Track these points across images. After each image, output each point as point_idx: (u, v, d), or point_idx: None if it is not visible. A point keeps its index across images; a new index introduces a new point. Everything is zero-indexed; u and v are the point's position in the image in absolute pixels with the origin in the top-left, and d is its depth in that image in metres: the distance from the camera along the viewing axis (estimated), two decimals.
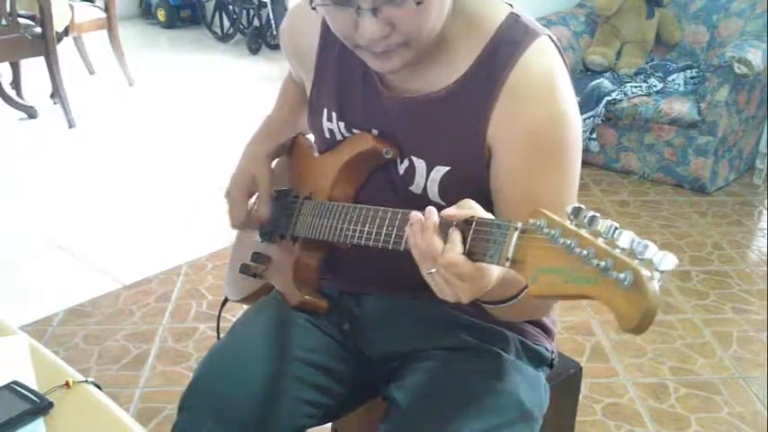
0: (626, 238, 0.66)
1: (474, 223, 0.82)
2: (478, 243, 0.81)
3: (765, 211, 3.28)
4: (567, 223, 0.70)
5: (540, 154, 0.97)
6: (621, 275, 0.64)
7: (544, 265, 0.72)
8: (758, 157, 3.69)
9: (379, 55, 0.95)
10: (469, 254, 0.82)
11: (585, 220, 0.69)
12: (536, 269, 0.73)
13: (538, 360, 1.16)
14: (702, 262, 2.79)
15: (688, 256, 2.83)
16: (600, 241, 0.67)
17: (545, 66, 0.97)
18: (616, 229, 0.67)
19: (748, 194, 3.44)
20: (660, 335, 2.33)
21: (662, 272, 0.64)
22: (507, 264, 0.77)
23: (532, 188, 0.98)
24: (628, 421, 1.96)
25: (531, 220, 0.74)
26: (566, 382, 1.33)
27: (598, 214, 0.69)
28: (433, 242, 0.84)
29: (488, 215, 0.85)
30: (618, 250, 0.65)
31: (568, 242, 0.69)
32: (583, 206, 0.70)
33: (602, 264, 0.65)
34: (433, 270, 0.84)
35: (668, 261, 0.64)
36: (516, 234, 0.77)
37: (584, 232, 0.68)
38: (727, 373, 2.16)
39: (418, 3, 0.88)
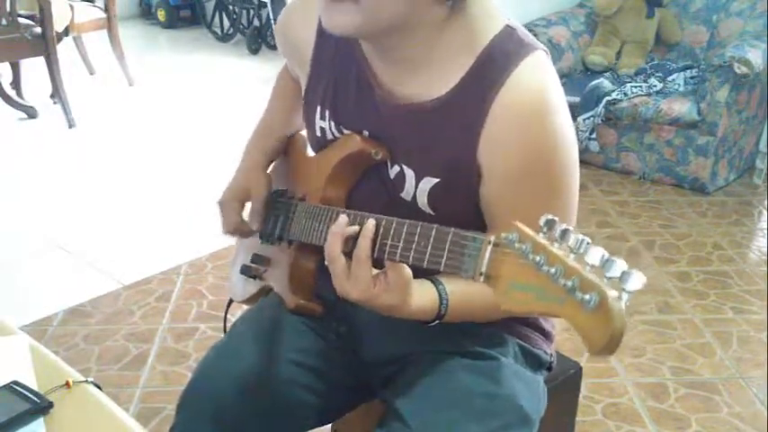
0: (595, 254, 0.64)
1: (451, 235, 0.81)
2: (454, 256, 0.80)
3: (765, 211, 3.28)
4: (539, 237, 0.69)
5: (532, 175, 0.95)
6: (587, 297, 0.62)
7: (516, 282, 0.71)
8: (758, 156, 3.69)
9: (328, 3, 0.92)
10: (445, 267, 0.81)
11: (557, 234, 0.68)
12: (509, 285, 0.72)
13: (537, 364, 1.16)
14: (702, 262, 2.79)
15: (688, 257, 2.83)
16: (570, 258, 0.65)
17: (538, 81, 0.95)
18: (587, 244, 0.65)
19: (748, 194, 3.44)
20: (660, 335, 2.33)
21: (629, 292, 0.62)
22: (481, 279, 0.76)
23: (524, 210, 0.93)
24: (628, 421, 1.96)
25: (504, 234, 0.73)
26: (566, 382, 1.33)
27: (571, 228, 0.67)
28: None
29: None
30: (587, 267, 0.64)
31: (538, 259, 0.67)
32: (556, 218, 0.69)
33: (569, 283, 0.64)
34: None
35: (635, 280, 0.62)
36: (490, 248, 0.75)
37: (555, 247, 0.67)
38: (727, 373, 2.16)
39: None
